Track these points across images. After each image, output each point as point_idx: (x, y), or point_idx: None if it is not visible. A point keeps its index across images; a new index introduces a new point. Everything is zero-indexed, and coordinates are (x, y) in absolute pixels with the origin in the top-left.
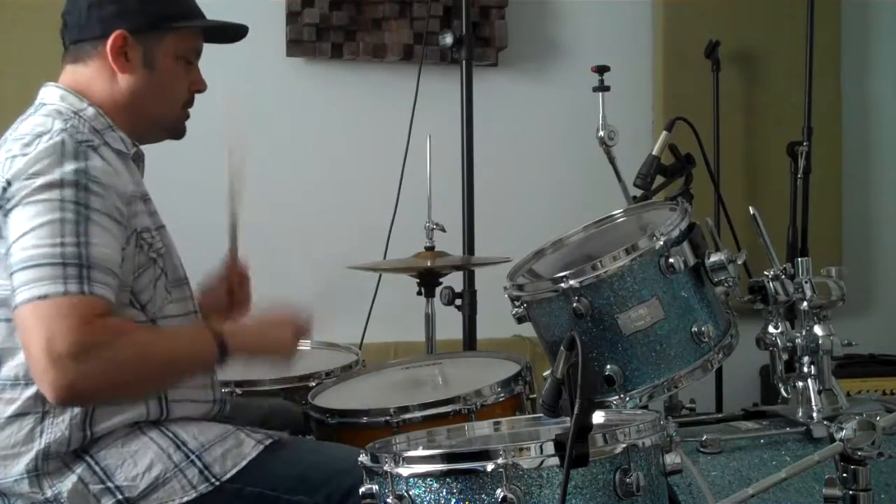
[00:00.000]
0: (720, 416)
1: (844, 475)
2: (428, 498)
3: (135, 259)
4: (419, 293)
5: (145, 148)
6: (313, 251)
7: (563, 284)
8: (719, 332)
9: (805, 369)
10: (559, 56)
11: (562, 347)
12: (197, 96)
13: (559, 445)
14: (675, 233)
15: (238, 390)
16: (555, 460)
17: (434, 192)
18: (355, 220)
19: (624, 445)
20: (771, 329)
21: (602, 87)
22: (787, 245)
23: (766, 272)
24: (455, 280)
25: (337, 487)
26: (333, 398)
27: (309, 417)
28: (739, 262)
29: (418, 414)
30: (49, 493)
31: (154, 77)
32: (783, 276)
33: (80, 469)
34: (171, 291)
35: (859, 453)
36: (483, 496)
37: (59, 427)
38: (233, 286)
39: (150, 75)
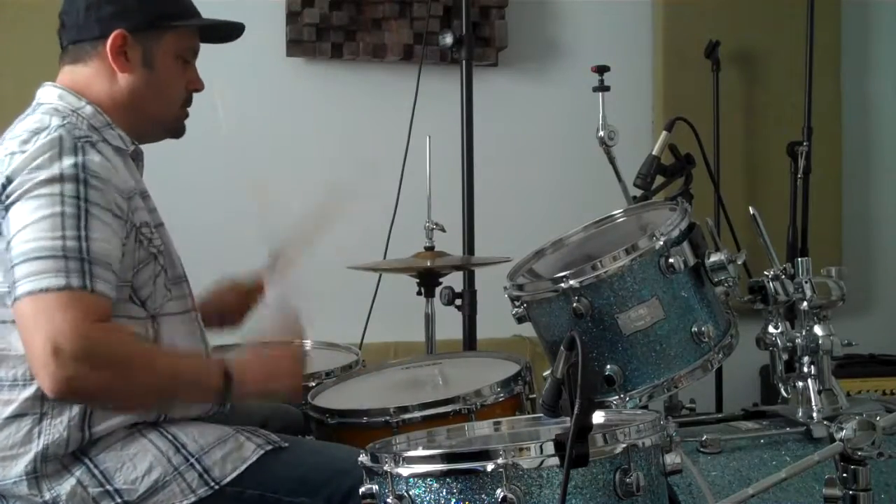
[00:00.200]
0: (720, 416)
1: (844, 475)
2: (428, 498)
3: (135, 254)
4: (419, 293)
5: (144, 149)
6: (313, 251)
7: (563, 284)
8: (719, 332)
9: (805, 369)
10: (559, 56)
11: (562, 347)
12: (196, 97)
13: (559, 445)
14: (675, 233)
15: None
16: (555, 460)
17: (434, 192)
18: (355, 220)
19: (624, 445)
20: (771, 329)
21: (602, 87)
22: (787, 245)
23: (766, 272)
24: (455, 280)
25: (338, 488)
26: (333, 398)
27: (309, 417)
28: (739, 262)
29: (418, 414)
30: (48, 496)
31: (153, 76)
32: (783, 276)
33: (78, 472)
34: (170, 289)
35: (859, 453)
36: (483, 496)
37: (57, 428)
38: (248, 301)
39: (149, 74)
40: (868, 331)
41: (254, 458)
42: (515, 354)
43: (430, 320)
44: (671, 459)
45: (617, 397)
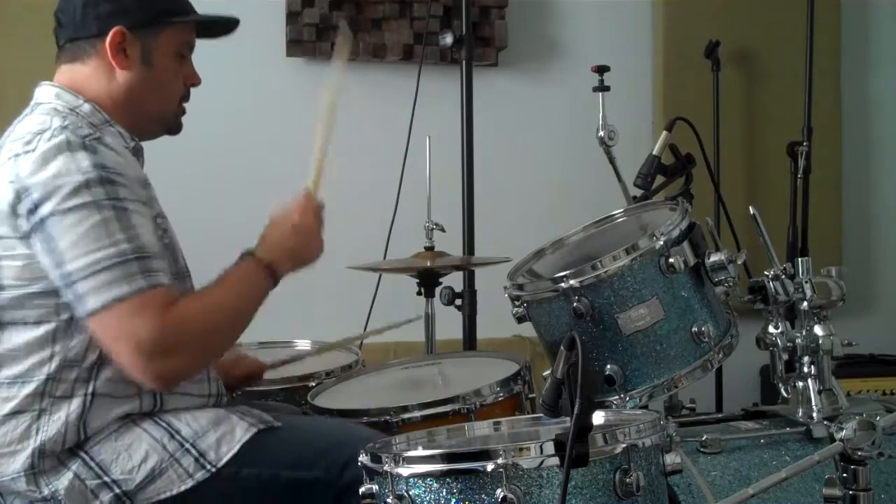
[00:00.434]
0: (720, 416)
1: (844, 475)
2: (428, 498)
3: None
4: (419, 293)
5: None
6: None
7: (563, 284)
8: (719, 332)
9: (805, 369)
10: (559, 56)
11: (562, 347)
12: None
13: (559, 445)
14: (675, 233)
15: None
16: (555, 460)
17: (434, 192)
18: (355, 220)
19: (624, 445)
20: (771, 329)
21: (602, 87)
22: (787, 245)
23: (766, 272)
24: (455, 280)
25: (335, 459)
26: (333, 398)
27: None
28: (739, 262)
29: (418, 414)
30: (46, 492)
31: (152, 73)
32: (783, 276)
33: (75, 465)
34: (173, 284)
35: (859, 453)
36: (483, 496)
37: (54, 425)
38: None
39: (148, 71)
40: (868, 331)
41: (247, 437)
42: (515, 354)
43: (430, 320)
44: (671, 459)
45: (617, 397)
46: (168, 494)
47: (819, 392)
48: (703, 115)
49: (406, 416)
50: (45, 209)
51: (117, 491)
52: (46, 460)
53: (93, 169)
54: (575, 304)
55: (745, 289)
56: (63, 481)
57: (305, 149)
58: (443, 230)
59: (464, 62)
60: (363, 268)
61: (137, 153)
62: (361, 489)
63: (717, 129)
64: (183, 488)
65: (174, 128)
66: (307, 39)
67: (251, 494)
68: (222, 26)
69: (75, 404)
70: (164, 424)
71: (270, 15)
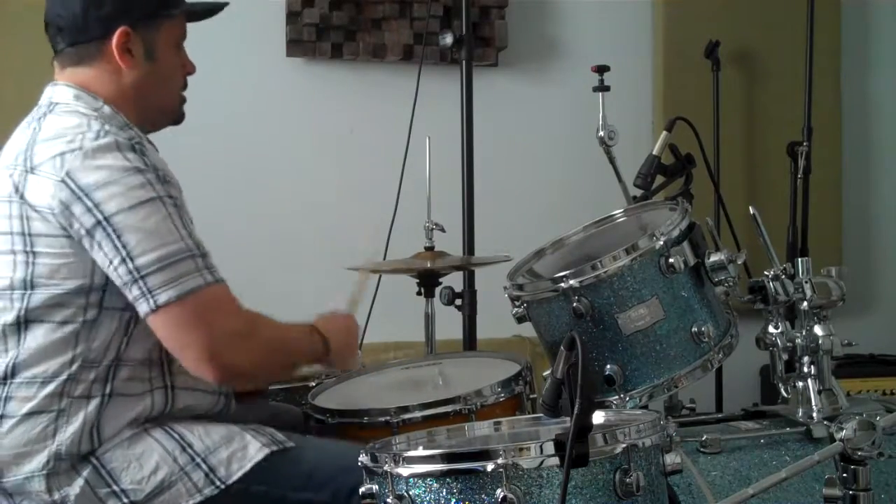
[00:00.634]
0: (720, 416)
1: (844, 475)
2: (428, 498)
3: None
4: (419, 293)
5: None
6: (313, 251)
7: (563, 284)
8: (719, 332)
9: (805, 369)
10: (559, 56)
11: (562, 347)
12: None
13: (559, 445)
14: (675, 233)
15: None
16: (555, 460)
17: (434, 192)
18: (355, 220)
19: (624, 445)
20: (771, 329)
21: (602, 87)
22: (787, 245)
23: (766, 272)
24: (455, 280)
25: (343, 484)
26: (333, 398)
27: (309, 417)
28: (739, 262)
29: (418, 414)
30: (56, 496)
31: (156, 67)
32: (783, 276)
33: (86, 472)
34: None
35: (859, 453)
36: (483, 496)
37: (73, 426)
38: None
39: (152, 66)
40: (868, 331)
41: (259, 458)
42: (515, 354)
43: (430, 320)
44: (671, 459)
45: (617, 397)
46: None
47: (819, 392)
48: (703, 115)
49: (406, 416)
50: (110, 207)
51: (125, 501)
52: (62, 463)
53: (148, 168)
54: (575, 304)
55: (745, 289)
56: (74, 488)
57: (305, 148)
58: (443, 230)
59: (464, 62)
60: (363, 268)
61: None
62: (361, 489)
63: (717, 129)
64: (191, 503)
65: (179, 117)
66: (307, 39)
67: None
68: (209, 10)
69: (93, 405)
70: (176, 436)
71: (270, 15)
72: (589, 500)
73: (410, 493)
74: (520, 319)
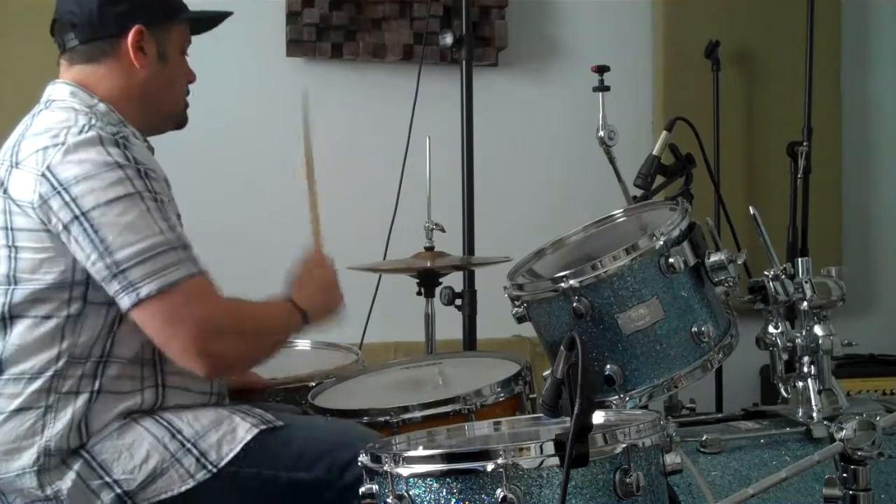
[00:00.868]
0: (720, 416)
1: (844, 475)
2: (428, 498)
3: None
4: (419, 293)
5: None
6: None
7: (563, 284)
8: (719, 332)
9: (805, 369)
10: (559, 56)
11: (562, 347)
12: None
13: (559, 445)
14: (675, 233)
15: None
16: (555, 460)
17: (434, 192)
18: (355, 220)
19: (624, 445)
20: (771, 329)
21: (602, 87)
22: (787, 245)
23: (766, 272)
24: (455, 280)
25: (335, 460)
26: (333, 398)
27: None
28: (739, 262)
29: (418, 414)
30: (49, 491)
31: (166, 69)
32: (783, 276)
33: (77, 465)
34: None
35: (859, 453)
36: (483, 496)
37: (61, 422)
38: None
39: (163, 68)
40: (868, 331)
41: (248, 438)
42: (515, 354)
43: (430, 320)
44: (671, 459)
45: (617, 397)
46: (169, 495)
47: (819, 392)
48: (703, 115)
49: (406, 416)
50: (87, 202)
51: (118, 491)
52: (52, 458)
53: (129, 162)
54: (575, 304)
55: (745, 289)
56: (66, 482)
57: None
58: (443, 230)
59: (464, 62)
60: (363, 268)
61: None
62: (361, 489)
63: (717, 129)
64: (184, 488)
65: (183, 121)
66: (307, 39)
67: (251, 494)
68: (212, 19)
69: (81, 401)
70: (165, 423)
71: (270, 15)
72: (589, 500)
73: (410, 493)
74: (520, 319)
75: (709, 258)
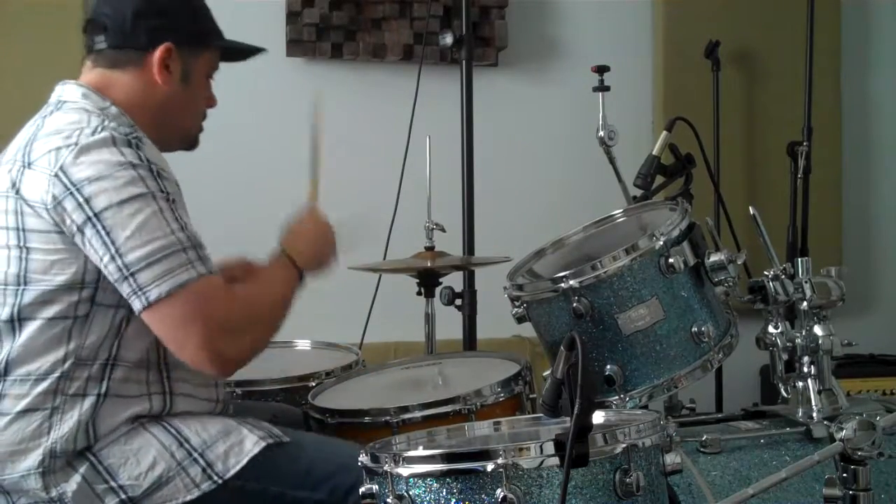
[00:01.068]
0: (720, 416)
1: (844, 475)
2: (428, 498)
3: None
4: (419, 293)
5: None
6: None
7: (563, 284)
8: (719, 332)
9: (805, 369)
10: (559, 56)
11: (562, 347)
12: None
13: (559, 445)
14: (675, 233)
15: (238, 390)
16: (555, 460)
17: (434, 192)
18: (355, 220)
19: (624, 445)
20: (771, 329)
21: (602, 87)
22: (787, 245)
23: (766, 272)
24: (455, 280)
25: (341, 483)
26: (333, 398)
27: (309, 417)
28: (739, 262)
29: (418, 414)
30: (54, 493)
31: (188, 91)
32: (783, 276)
33: (83, 468)
34: None
35: (859, 453)
36: (483, 496)
37: (67, 424)
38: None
39: (184, 89)
40: (868, 331)
41: (255, 451)
42: (515, 354)
43: (430, 320)
44: (671, 459)
45: (617, 397)
46: (173, 503)
47: (819, 392)
48: (703, 115)
49: (406, 416)
50: (100, 202)
51: (123, 497)
52: (58, 460)
53: (142, 162)
54: (575, 304)
55: (745, 289)
56: (72, 484)
57: (305, 148)
58: (443, 230)
59: (464, 62)
60: (363, 268)
61: None
62: (361, 489)
63: (717, 129)
64: (188, 498)
65: (193, 144)
66: (307, 39)
67: None
68: (245, 52)
69: (88, 403)
70: (173, 431)
71: (270, 15)
72: (589, 500)
73: (410, 493)
74: (520, 319)
75: (709, 258)
